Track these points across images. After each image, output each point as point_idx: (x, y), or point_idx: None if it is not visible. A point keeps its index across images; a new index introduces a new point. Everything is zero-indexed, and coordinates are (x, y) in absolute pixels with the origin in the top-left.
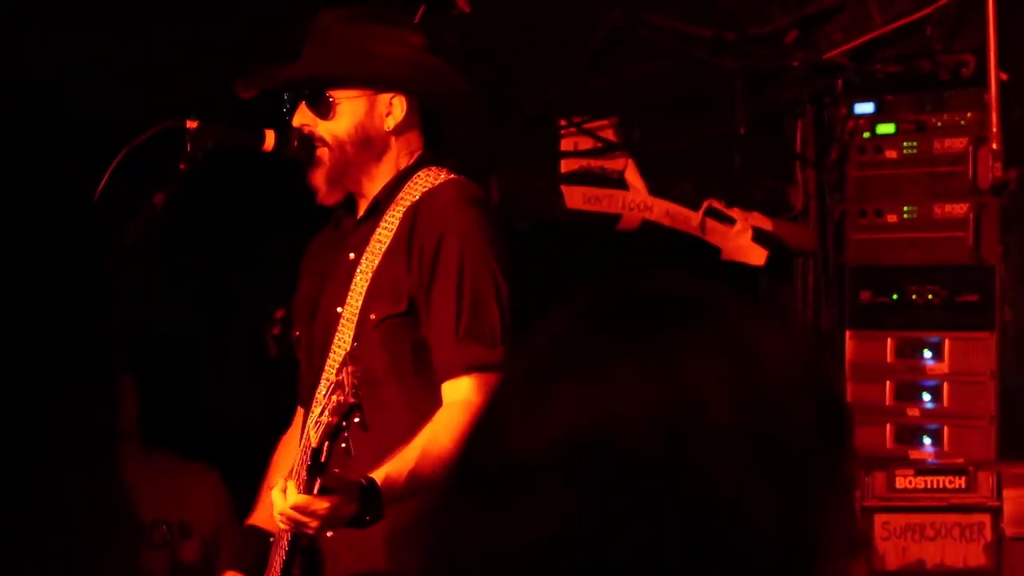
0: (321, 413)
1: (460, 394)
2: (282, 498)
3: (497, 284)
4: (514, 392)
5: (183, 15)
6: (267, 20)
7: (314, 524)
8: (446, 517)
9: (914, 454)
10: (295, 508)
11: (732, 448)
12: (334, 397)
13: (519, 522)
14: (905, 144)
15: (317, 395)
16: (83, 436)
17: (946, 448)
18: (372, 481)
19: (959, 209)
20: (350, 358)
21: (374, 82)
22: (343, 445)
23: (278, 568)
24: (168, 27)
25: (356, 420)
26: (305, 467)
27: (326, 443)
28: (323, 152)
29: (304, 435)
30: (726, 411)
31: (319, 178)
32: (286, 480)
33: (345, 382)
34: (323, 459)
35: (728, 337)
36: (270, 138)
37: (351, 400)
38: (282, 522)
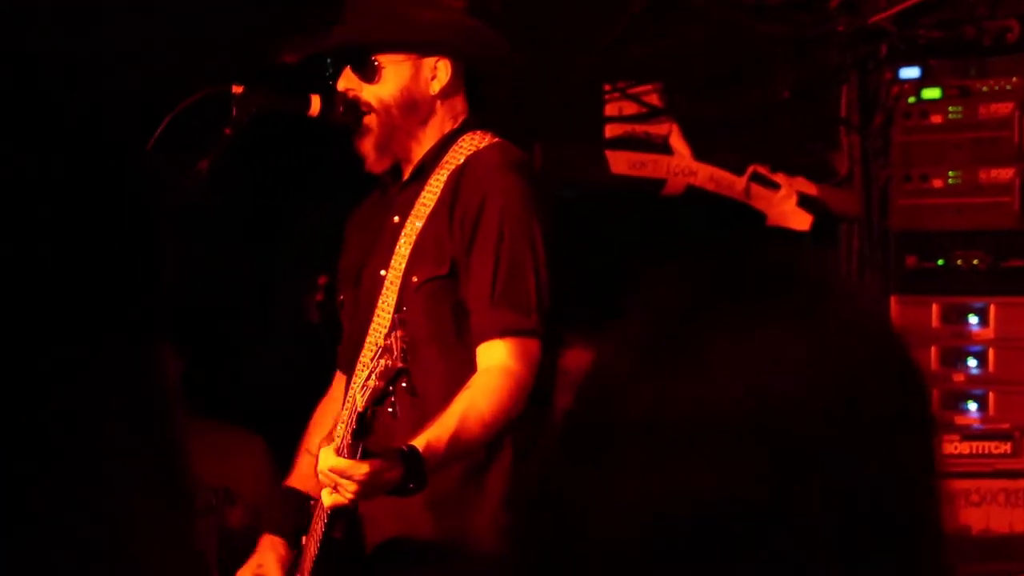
0: (368, 377)
1: (496, 359)
2: (325, 458)
3: (535, 251)
4: (641, 354)
5: None
6: None
7: (353, 488)
8: (563, 481)
9: (959, 420)
10: (335, 471)
11: (879, 425)
12: (382, 361)
13: (665, 483)
14: (950, 109)
15: (363, 359)
16: (137, 396)
17: (991, 413)
18: (414, 448)
19: (1004, 174)
20: (399, 322)
21: (419, 46)
22: (389, 409)
23: (320, 531)
24: None
25: (403, 385)
26: (350, 431)
27: (372, 407)
28: (370, 119)
29: (349, 399)
30: (872, 387)
31: (368, 145)
32: (329, 441)
33: (394, 346)
34: (368, 423)
35: (850, 320)
36: (315, 103)
37: (399, 364)
38: (324, 485)
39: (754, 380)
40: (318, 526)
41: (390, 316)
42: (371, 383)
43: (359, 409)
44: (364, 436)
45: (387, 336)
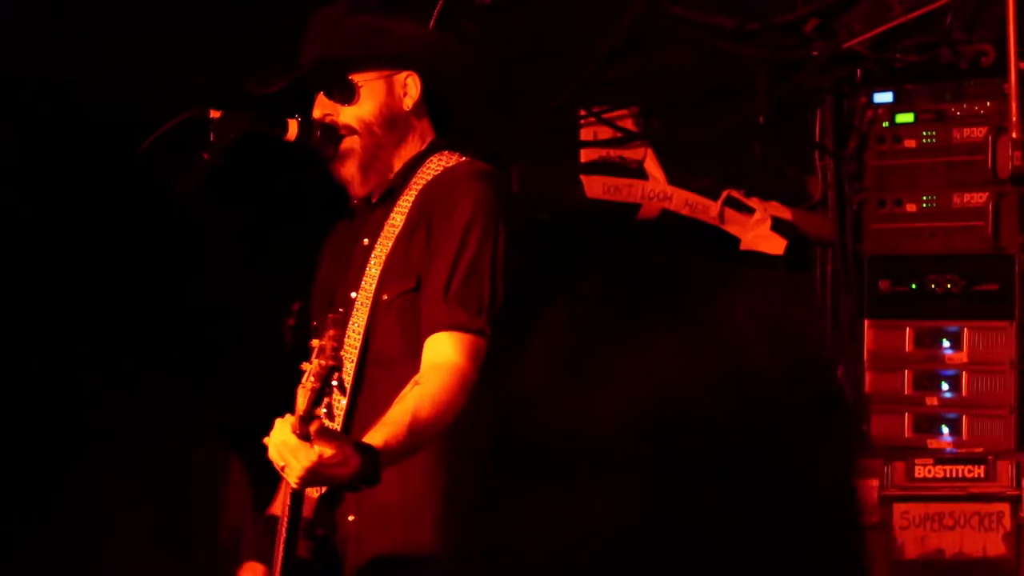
0: (307, 378)
1: (441, 354)
2: (280, 430)
3: (495, 256)
4: (555, 367)
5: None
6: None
7: (300, 473)
8: (494, 495)
9: (933, 443)
10: (285, 447)
11: (787, 412)
12: (317, 361)
13: (590, 497)
14: (924, 133)
15: (304, 364)
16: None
17: (965, 437)
18: (371, 447)
19: (978, 198)
20: (331, 322)
21: (395, 60)
22: (323, 410)
23: (286, 516)
24: (189, 21)
25: (334, 383)
26: (297, 424)
27: (314, 408)
28: (351, 140)
29: (295, 403)
30: (776, 376)
31: (351, 167)
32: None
33: (327, 346)
34: (312, 418)
35: (762, 307)
36: (293, 128)
37: (330, 363)
38: (274, 457)
39: (642, 390)
40: (284, 511)
41: (360, 337)
42: (309, 384)
43: (301, 413)
44: (310, 421)
45: (322, 337)
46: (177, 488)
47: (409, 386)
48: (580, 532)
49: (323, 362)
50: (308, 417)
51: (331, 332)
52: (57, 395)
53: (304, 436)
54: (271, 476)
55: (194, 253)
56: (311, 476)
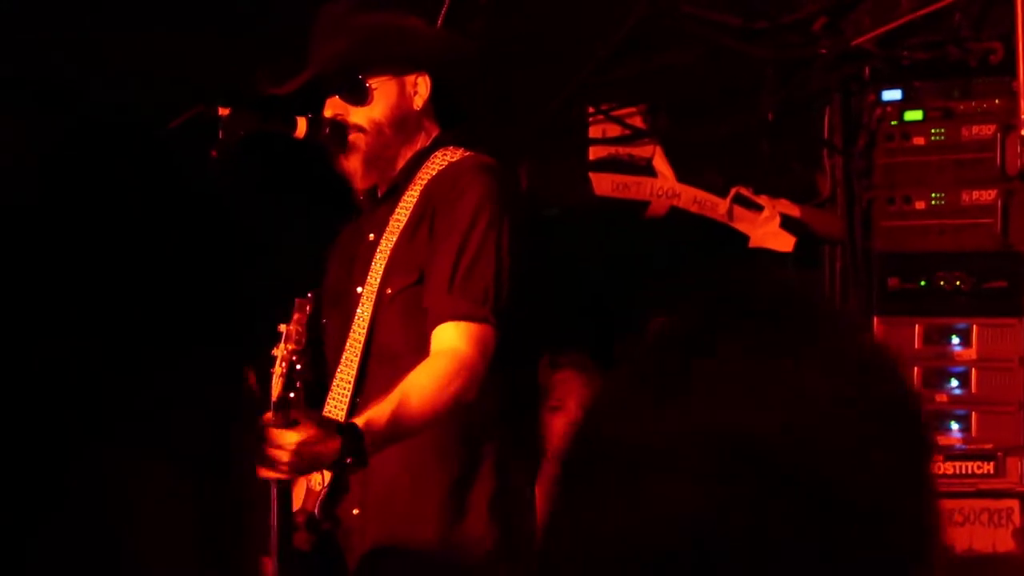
0: (278, 364)
1: (447, 342)
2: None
3: (500, 247)
4: (639, 380)
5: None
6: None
7: (285, 458)
8: (560, 497)
9: (942, 440)
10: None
11: (867, 450)
12: (283, 346)
13: (647, 506)
14: (933, 131)
15: (274, 350)
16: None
17: (974, 434)
18: (352, 423)
19: (987, 196)
20: (298, 306)
21: (405, 62)
22: (291, 395)
23: (274, 510)
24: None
25: (298, 368)
26: (272, 412)
27: (287, 393)
28: (360, 138)
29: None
30: (862, 412)
31: (355, 162)
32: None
33: (292, 331)
34: (286, 402)
35: (845, 348)
36: (302, 125)
37: (295, 347)
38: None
39: (745, 406)
40: (273, 506)
41: (364, 332)
42: (279, 369)
43: (274, 399)
44: (286, 407)
45: (289, 322)
46: (187, 487)
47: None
48: (653, 539)
49: (289, 346)
50: (282, 402)
51: (296, 316)
52: (57, 395)
53: (280, 423)
54: None
55: (200, 249)
56: (296, 459)
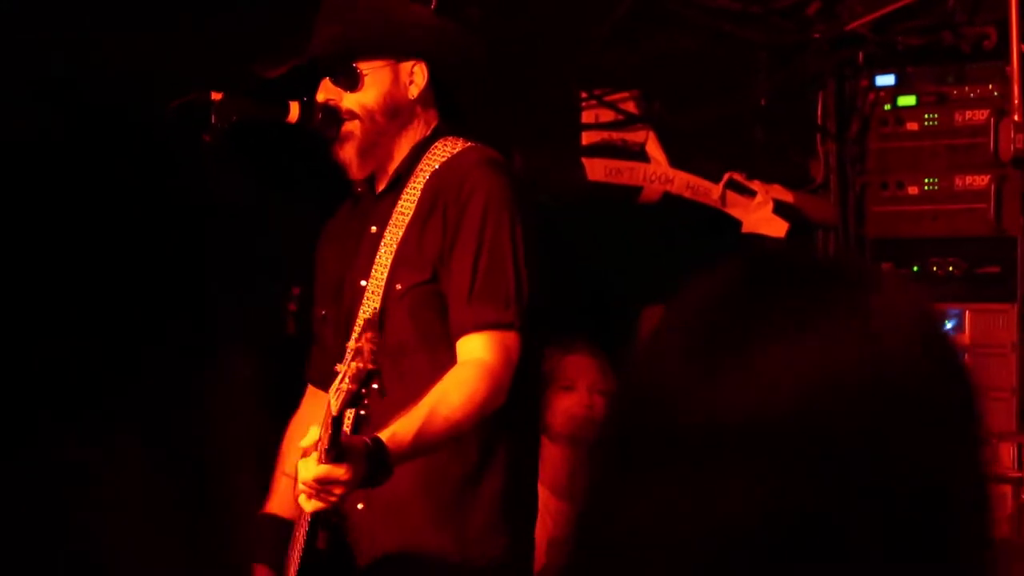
0: (341, 381)
1: (472, 352)
2: (307, 468)
3: (515, 246)
4: (682, 360)
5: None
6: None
7: (338, 491)
8: (608, 489)
9: None
10: (320, 479)
11: (928, 428)
12: (354, 364)
13: (713, 494)
14: (926, 116)
15: (338, 365)
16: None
17: None
18: (378, 440)
19: (980, 181)
20: (368, 324)
21: (402, 49)
22: (362, 412)
23: (301, 543)
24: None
25: (375, 386)
26: (328, 436)
27: (347, 410)
28: (352, 125)
29: (326, 404)
30: (923, 389)
31: (350, 151)
32: (308, 452)
33: (364, 348)
34: (344, 427)
35: (907, 310)
36: (294, 110)
37: (370, 366)
38: (305, 494)
39: (804, 382)
40: (299, 534)
41: None
42: (344, 386)
43: (333, 414)
44: (339, 440)
45: (358, 338)
46: (183, 484)
47: (438, 382)
48: (709, 522)
49: (360, 365)
50: (340, 420)
51: (368, 335)
52: (57, 395)
53: (332, 458)
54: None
55: (193, 236)
56: (349, 491)
